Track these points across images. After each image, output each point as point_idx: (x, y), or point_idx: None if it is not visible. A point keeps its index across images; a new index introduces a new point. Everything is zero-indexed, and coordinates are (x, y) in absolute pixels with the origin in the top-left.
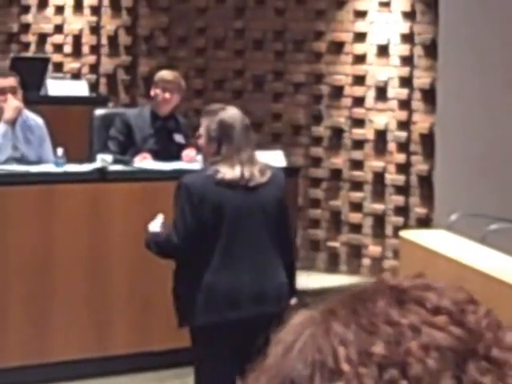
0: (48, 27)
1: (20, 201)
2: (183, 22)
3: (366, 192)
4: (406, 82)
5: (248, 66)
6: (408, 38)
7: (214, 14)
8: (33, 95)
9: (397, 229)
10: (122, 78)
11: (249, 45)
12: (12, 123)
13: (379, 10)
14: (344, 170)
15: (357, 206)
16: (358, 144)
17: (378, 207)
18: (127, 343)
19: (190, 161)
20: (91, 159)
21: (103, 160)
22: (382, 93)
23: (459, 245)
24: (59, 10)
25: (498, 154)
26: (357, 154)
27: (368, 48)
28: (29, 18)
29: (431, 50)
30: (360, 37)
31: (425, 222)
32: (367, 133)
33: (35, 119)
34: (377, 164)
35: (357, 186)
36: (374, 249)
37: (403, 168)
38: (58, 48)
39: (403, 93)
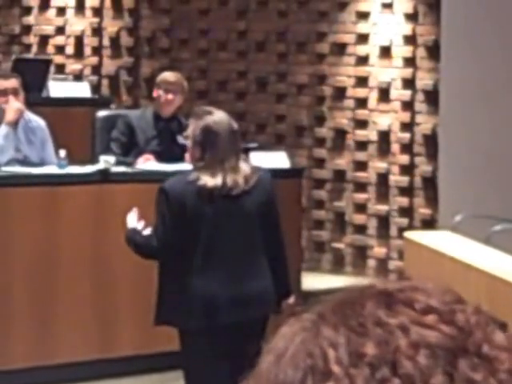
0: (50, 28)
1: (23, 202)
2: (185, 24)
3: (370, 193)
4: (408, 83)
5: (251, 68)
6: (410, 40)
7: (217, 15)
8: (35, 97)
9: (401, 230)
10: (124, 80)
11: (251, 46)
12: (14, 125)
13: (381, 12)
14: (348, 172)
15: (361, 207)
16: (362, 145)
17: (382, 208)
18: (132, 345)
19: None
20: (94, 161)
21: (106, 161)
22: (384, 94)
23: (464, 245)
24: (61, 11)
25: (501, 155)
26: (360, 155)
27: (371, 49)
28: (30, 19)
29: (434, 51)
30: (362, 38)
31: (429, 223)
32: (370, 134)
33: (37, 121)
34: (380, 165)
35: (361, 187)
36: (378, 250)
37: (407, 169)
38: (60, 49)
39: (406, 94)
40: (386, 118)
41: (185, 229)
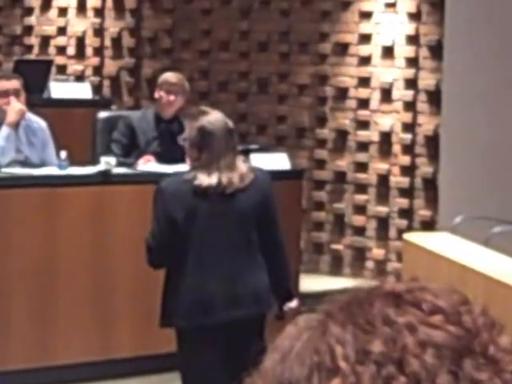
0: (51, 29)
1: (23, 203)
2: (187, 24)
3: (370, 194)
4: (411, 83)
5: (252, 68)
6: (413, 40)
7: (219, 15)
8: (36, 98)
9: (401, 231)
10: (125, 81)
11: (253, 47)
12: (15, 126)
13: (384, 11)
14: (348, 173)
15: (361, 209)
16: (363, 146)
17: (382, 210)
18: (131, 346)
19: None
20: (95, 162)
21: (107, 163)
22: (386, 94)
23: (463, 247)
24: (62, 11)
25: (502, 157)
26: (361, 157)
27: (373, 49)
28: (32, 20)
29: (437, 51)
30: (365, 38)
31: (429, 225)
32: (372, 135)
33: (38, 122)
34: (381, 166)
35: (361, 188)
36: (377, 251)
37: (408, 170)
38: (62, 50)
39: (408, 94)
40: (388, 119)
41: (179, 228)
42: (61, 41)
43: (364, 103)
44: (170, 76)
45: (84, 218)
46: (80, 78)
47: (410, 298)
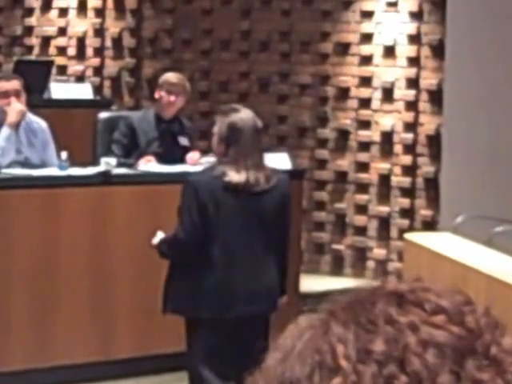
0: (52, 30)
1: (24, 204)
2: (188, 24)
3: (371, 194)
4: (412, 83)
5: (253, 68)
6: (415, 39)
7: (220, 15)
8: (36, 98)
9: (402, 231)
10: (126, 81)
11: (254, 46)
12: (15, 127)
13: (386, 11)
14: (349, 172)
15: (362, 209)
16: (364, 146)
17: (384, 209)
18: (130, 347)
19: (195, 164)
20: (95, 162)
21: (107, 163)
22: (388, 94)
23: (465, 247)
24: (63, 12)
25: (504, 156)
26: (362, 156)
27: (374, 49)
28: (32, 20)
29: (438, 50)
30: (366, 38)
31: (430, 225)
32: (373, 135)
33: (39, 122)
34: (383, 166)
35: (362, 188)
36: (378, 251)
37: (409, 170)
38: (62, 51)
39: (410, 94)
40: (389, 119)
41: (208, 222)
42: (61, 41)
43: (365, 103)
44: (170, 76)
45: (84, 219)
46: (80, 78)
47: (412, 298)
